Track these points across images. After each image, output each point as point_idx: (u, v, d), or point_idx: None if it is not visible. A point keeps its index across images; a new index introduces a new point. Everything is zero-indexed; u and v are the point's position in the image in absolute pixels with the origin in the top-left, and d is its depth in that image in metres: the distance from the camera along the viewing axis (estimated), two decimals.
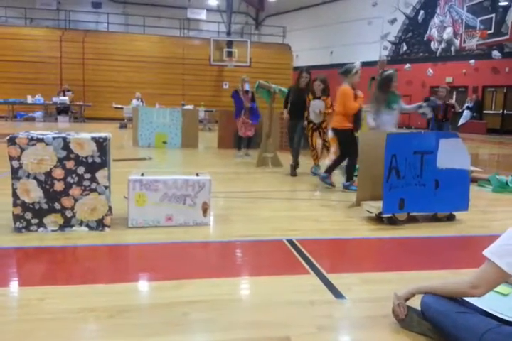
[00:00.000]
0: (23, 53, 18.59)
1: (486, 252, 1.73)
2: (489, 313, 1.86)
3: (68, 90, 17.66)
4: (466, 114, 16.91)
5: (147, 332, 1.98)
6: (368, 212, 4.02)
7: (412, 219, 3.95)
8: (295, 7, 25.09)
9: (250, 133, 8.27)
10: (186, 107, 14.56)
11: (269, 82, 7.54)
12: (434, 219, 4.04)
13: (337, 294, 2.44)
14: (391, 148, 3.71)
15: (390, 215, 3.83)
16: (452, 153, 3.92)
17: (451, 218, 4.08)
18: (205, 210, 3.64)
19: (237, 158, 8.18)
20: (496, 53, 17.07)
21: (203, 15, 22.98)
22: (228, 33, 21.83)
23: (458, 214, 4.12)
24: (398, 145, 3.75)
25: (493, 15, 16.09)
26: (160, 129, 9.47)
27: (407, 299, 2.04)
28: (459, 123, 15.78)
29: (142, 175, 3.61)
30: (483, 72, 17.73)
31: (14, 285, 2.51)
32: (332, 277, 2.67)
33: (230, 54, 20.42)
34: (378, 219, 3.93)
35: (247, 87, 8.08)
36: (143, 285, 2.58)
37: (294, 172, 6.35)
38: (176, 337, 1.97)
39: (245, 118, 8.09)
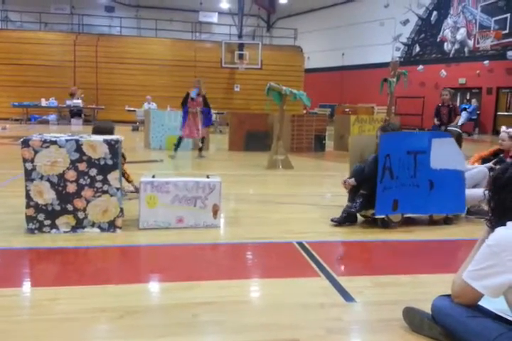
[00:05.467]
0: (38, 57, 18.83)
1: (465, 277, 1.81)
2: (501, 317, 1.83)
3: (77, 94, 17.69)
4: (465, 115, 16.67)
5: (157, 333, 1.99)
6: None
7: (411, 223, 3.87)
8: (306, 9, 25.04)
9: (197, 135, 8.21)
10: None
11: (280, 84, 7.52)
12: (431, 222, 3.91)
13: (347, 297, 2.42)
14: (385, 147, 3.62)
15: (383, 217, 3.74)
16: (445, 154, 3.81)
17: (448, 222, 3.93)
18: (215, 212, 3.65)
19: (172, 158, 8.03)
20: (510, 54, 16.81)
21: (214, 18, 23.08)
22: (240, 36, 21.88)
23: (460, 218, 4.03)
24: (392, 145, 3.65)
25: (508, 15, 15.84)
26: (171, 132, 9.51)
27: None
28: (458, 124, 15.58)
29: (153, 177, 3.64)
30: (497, 72, 17.48)
31: (26, 285, 2.55)
32: (342, 280, 2.65)
33: (241, 56, 20.45)
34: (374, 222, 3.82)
35: (193, 93, 8.24)
36: (153, 286, 2.59)
37: None
38: (186, 339, 1.97)
39: (193, 121, 8.15)
